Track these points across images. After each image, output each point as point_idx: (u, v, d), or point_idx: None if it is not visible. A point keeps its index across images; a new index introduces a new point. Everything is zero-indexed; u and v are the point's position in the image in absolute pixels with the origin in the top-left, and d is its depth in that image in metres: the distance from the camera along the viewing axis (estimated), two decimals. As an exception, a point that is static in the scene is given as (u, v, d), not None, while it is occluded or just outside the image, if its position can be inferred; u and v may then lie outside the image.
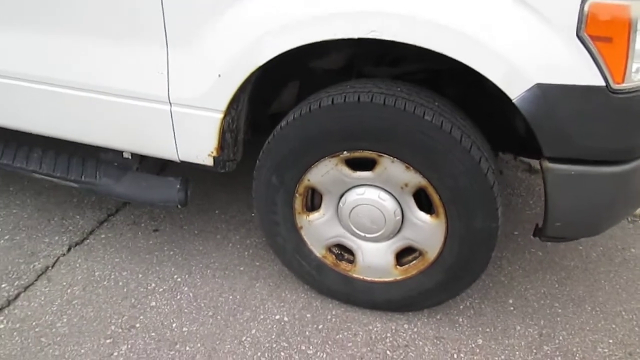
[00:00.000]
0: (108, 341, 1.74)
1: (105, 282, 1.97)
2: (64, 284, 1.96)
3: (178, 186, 1.83)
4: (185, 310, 1.85)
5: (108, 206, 2.38)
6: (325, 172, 1.62)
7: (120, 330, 1.78)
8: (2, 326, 1.80)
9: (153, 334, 1.76)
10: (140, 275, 2.00)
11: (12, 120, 1.92)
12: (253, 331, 1.77)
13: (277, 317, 1.82)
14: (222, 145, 1.69)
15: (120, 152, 1.97)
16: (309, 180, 1.65)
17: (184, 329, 1.78)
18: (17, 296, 1.92)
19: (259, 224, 1.82)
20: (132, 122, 1.75)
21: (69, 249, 2.13)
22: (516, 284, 1.95)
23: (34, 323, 1.81)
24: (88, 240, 2.18)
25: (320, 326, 1.78)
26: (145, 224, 2.27)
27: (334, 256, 1.79)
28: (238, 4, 1.44)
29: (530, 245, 2.11)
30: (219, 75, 1.55)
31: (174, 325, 1.79)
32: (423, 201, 1.60)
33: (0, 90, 1.86)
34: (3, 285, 1.95)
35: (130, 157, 1.97)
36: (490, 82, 1.33)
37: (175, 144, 1.75)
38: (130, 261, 2.07)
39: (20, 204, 2.40)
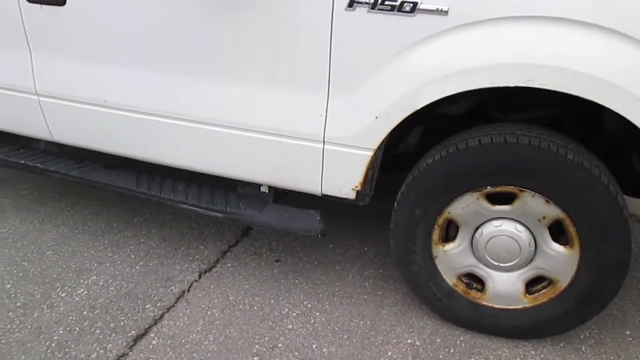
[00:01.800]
0: (255, 359, 1.89)
1: (240, 306, 2.13)
2: (203, 306, 2.13)
3: (318, 217, 2.01)
4: (322, 333, 1.99)
5: (227, 238, 2.57)
6: (466, 206, 1.79)
7: (264, 349, 1.93)
8: (154, 342, 1.96)
9: (296, 353, 1.91)
10: (272, 301, 2.16)
11: (166, 156, 2.14)
12: (389, 353, 1.90)
13: (409, 341, 1.96)
14: (365, 180, 1.88)
15: (258, 186, 2.17)
16: (449, 212, 1.83)
17: (324, 349, 1.93)
18: (161, 316, 2.09)
19: (394, 252, 1.97)
20: (282, 159, 1.96)
21: (199, 276, 2.31)
22: (630, 316, 2.06)
23: (183, 340, 1.96)
24: (216, 269, 2.36)
25: (452, 350, 1.91)
26: (266, 255, 2.45)
27: (464, 284, 1.94)
28: (402, 55, 1.66)
29: (637, 282, 2.24)
30: (376, 117, 1.75)
31: (313, 346, 1.94)
32: (554, 232, 1.76)
33: (156, 129, 2.08)
34: (147, 306, 2.12)
35: (267, 191, 2.17)
36: (610, 126, 1.51)
37: (321, 179, 1.94)
38: (260, 288, 2.23)
39: (146, 234, 2.60)
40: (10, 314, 2.07)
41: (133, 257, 2.42)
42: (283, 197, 2.24)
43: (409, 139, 2.12)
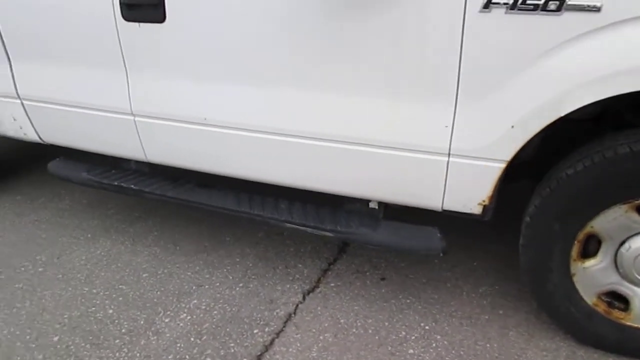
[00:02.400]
0: (381, 388, 1.76)
1: (354, 330, 2.01)
2: (314, 330, 2.02)
3: (438, 235, 1.88)
4: (447, 358, 1.85)
5: (325, 255, 2.46)
6: (612, 219, 1.63)
7: (389, 377, 1.80)
8: (271, 371, 1.86)
9: (425, 381, 1.78)
10: (386, 323, 2.03)
11: (270, 174, 2.04)
12: (526, 380, 1.75)
13: (545, 366, 1.80)
14: (493, 194, 1.74)
15: (366, 202, 2.05)
16: (592, 227, 1.67)
17: (454, 376, 1.79)
18: (272, 342, 1.99)
19: (525, 269, 1.83)
20: (399, 173, 1.83)
21: (304, 297, 2.20)
22: None
23: (299, 368, 1.86)
24: (319, 289, 2.25)
25: (595, 376, 1.75)
26: (369, 273, 2.33)
27: (605, 304, 1.77)
28: (545, 58, 1.51)
29: None
30: (512, 127, 1.61)
31: (441, 373, 1.80)
32: None
33: (261, 145, 1.98)
34: (255, 331, 2.03)
35: (376, 207, 2.04)
36: None
37: (443, 194, 1.80)
38: (370, 309, 2.11)
39: (240, 253, 2.51)
40: (117, 341, 2.01)
41: (231, 278, 2.34)
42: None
43: (526, 147, 1.96)
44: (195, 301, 2.21)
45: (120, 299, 2.25)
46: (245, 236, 2.63)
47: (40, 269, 2.48)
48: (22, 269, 2.49)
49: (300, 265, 2.40)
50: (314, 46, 1.77)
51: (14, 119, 2.59)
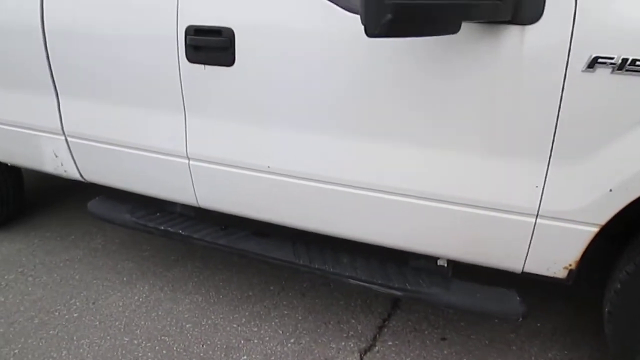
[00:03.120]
0: None
1: (420, 395, 1.88)
2: (376, 395, 1.88)
3: (518, 298, 1.77)
4: None
5: (377, 309, 2.35)
6: None
7: None
8: None
9: None
10: (453, 389, 1.90)
11: (334, 226, 1.95)
12: None
13: None
14: (581, 258, 1.64)
15: (435, 259, 1.94)
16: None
17: None
18: (332, 407, 1.85)
19: (613, 339, 1.72)
20: (477, 232, 1.74)
21: (361, 357, 2.08)
22: None
23: None
24: (376, 348, 2.13)
25: None
26: (428, 331, 2.21)
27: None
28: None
29: None
30: (610, 190, 1.52)
31: None
32: None
33: (327, 197, 1.89)
34: (313, 394, 1.89)
35: (445, 265, 1.94)
36: None
37: (526, 256, 1.70)
38: (435, 372, 1.98)
39: (287, 304, 2.39)
40: (164, 400, 1.86)
41: (281, 332, 2.21)
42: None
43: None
44: (244, 357, 2.08)
45: (164, 351, 2.12)
46: (289, 285, 2.51)
47: (75, 314, 2.36)
48: (57, 313, 2.37)
49: (353, 321, 2.27)
50: (395, 97, 1.69)
51: (56, 156, 2.50)
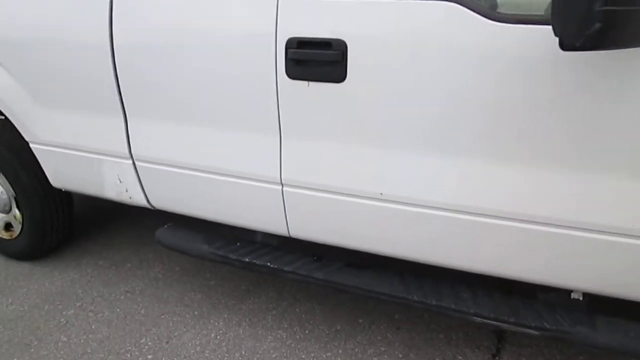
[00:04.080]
0: None
1: None
2: None
3: (680, 338, 1.55)
4: None
5: (484, 343, 2.15)
6: None
7: None
8: None
9: None
10: None
11: (455, 258, 1.73)
12: None
13: None
14: None
15: (566, 292, 1.73)
16: None
17: None
18: None
19: None
20: (628, 262, 1.52)
21: (479, 400, 1.85)
22: None
23: None
24: (494, 389, 1.90)
25: None
26: (547, 370, 1.98)
27: None
28: None
29: None
30: None
31: None
32: None
33: (452, 226, 1.68)
34: None
35: (580, 298, 1.72)
36: None
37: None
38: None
39: (382, 339, 2.20)
40: None
41: (382, 372, 1.98)
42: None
43: None
44: (350, 404, 1.85)
45: (259, 399, 1.89)
46: (379, 317, 2.30)
47: (149, 356, 2.14)
48: (128, 355, 2.16)
49: (460, 358, 2.05)
50: (534, 117, 1.48)
51: (120, 181, 2.28)
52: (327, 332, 2.24)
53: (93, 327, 2.33)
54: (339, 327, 2.26)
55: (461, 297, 1.80)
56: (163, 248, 2.70)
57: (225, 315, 2.37)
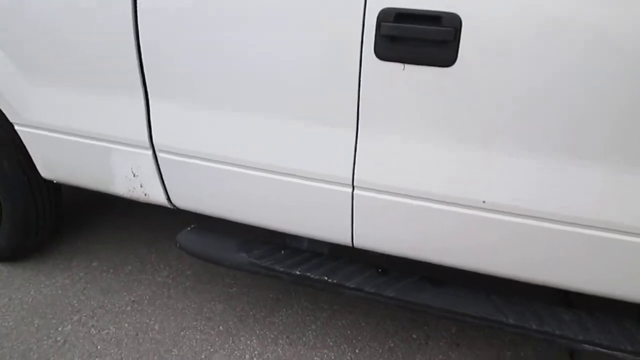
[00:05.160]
0: None
1: None
2: None
3: None
4: None
5: (558, 363, 1.89)
6: None
7: None
8: None
9: None
10: None
11: (557, 276, 1.47)
12: None
13: None
14: None
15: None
16: None
17: None
18: None
19: None
20: None
21: None
22: None
23: None
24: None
25: None
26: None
27: None
28: None
29: None
30: None
31: None
32: None
33: (557, 238, 1.41)
34: None
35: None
36: None
37: None
38: None
39: (443, 358, 1.91)
40: None
41: (454, 401, 1.72)
42: None
43: None
44: None
45: None
46: (434, 332, 2.05)
47: (176, 384, 1.78)
48: (149, 385, 1.78)
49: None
50: None
51: (134, 175, 1.88)
52: (380, 350, 1.95)
53: (99, 347, 1.95)
54: (392, 344, 1.98)
55: (562, 320, 1.54)
56: (166, 246, 2.33)
57: (257, 331, 2.03)
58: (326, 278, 1.72)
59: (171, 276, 2.35)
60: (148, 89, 1.73)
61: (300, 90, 1.52)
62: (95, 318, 2.10)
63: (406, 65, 1.39)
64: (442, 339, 2.01)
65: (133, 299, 2.20)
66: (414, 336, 2.03)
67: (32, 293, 2.23)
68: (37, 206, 2.23)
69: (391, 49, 1.38)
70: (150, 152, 1.83)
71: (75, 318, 2.10)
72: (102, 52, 1.71)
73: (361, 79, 1.45)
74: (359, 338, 2.01)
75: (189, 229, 1.96)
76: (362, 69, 1.43)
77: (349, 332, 2.04)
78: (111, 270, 2.38)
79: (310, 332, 2.04)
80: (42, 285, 2.27)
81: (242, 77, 1.58)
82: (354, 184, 1.58)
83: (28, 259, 2.41)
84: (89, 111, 1.85)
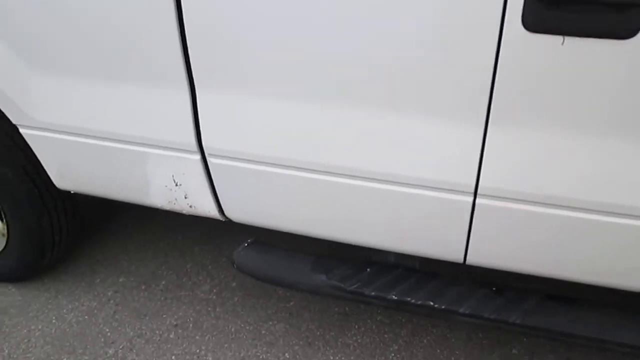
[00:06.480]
0: None
1: None
2: None
3: None
4: None
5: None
6: None
7: None
8: None
9: None
10: None
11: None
12: None
13: None
14: None
15: None
16: None
17: None
18: None
19: None
20: None
21: None
22: None
23: None
24: None
25: None
26: None
27: None
28: None
29: None
30: None
31: None
32: None
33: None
34: None
35: None
36: None
37: None
38: None
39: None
40: None
41: None
42: None
43: None
44: None
45: None
46: (538, 348, 1.74)
47: None
48: None
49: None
50: None
51: (176, 184, 1.51)
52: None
53: (146, 389, 1.61)
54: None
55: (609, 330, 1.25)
56: (200, 252, 1.99)
57: (331, 357, 1.72)
58: (432, 303, 1.39)
59: (214, 290, 2.01)
60: (194, 79, 1.35)
61: (402, 74, 1.17)
62: (134, 351, 1.76)
63: (566, 38, 1.02)
64: (548, 353, 1.71)
65: (175, 323, 1.87)
66: (514, 351, 1.73)
67: (54, 321, 1.88)
68: (51, 221, 1.85)
69: (545, 17, 1.03)
70: (198, 157, 1.45)
71: (111, 352, 1.76)
72: (132, 37, 1.31)
73: (499, 58, 1.09)
74: (452, 358, 1.70)
75: (245, 245, 1.61)
76: (501, 44, 1.07)
77: (437, 350, 1.74)
78: (143, 287, 2.03)
79: (392, 354, 1.74)
80: (65, 311, 1.92)
81: (323, 65, 1.22)
82: (478, 193, 1.24)
83: (42, 278, 2.04)
84: (114, 109, 1.46)
